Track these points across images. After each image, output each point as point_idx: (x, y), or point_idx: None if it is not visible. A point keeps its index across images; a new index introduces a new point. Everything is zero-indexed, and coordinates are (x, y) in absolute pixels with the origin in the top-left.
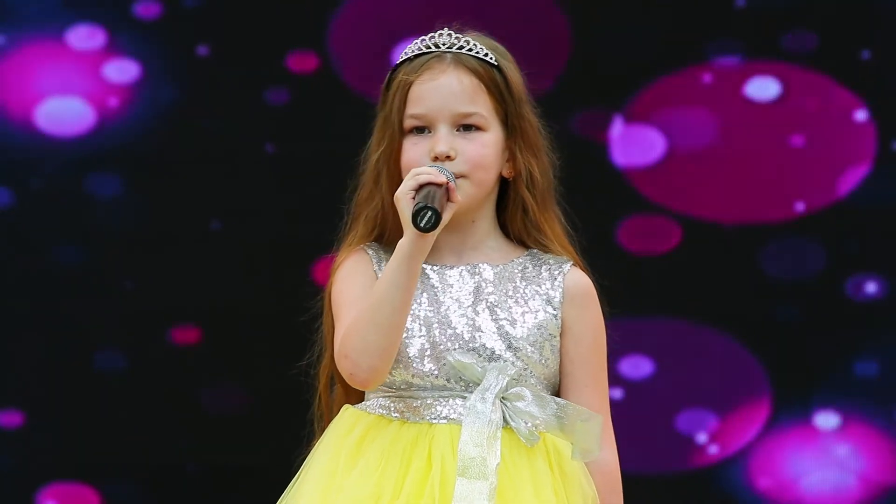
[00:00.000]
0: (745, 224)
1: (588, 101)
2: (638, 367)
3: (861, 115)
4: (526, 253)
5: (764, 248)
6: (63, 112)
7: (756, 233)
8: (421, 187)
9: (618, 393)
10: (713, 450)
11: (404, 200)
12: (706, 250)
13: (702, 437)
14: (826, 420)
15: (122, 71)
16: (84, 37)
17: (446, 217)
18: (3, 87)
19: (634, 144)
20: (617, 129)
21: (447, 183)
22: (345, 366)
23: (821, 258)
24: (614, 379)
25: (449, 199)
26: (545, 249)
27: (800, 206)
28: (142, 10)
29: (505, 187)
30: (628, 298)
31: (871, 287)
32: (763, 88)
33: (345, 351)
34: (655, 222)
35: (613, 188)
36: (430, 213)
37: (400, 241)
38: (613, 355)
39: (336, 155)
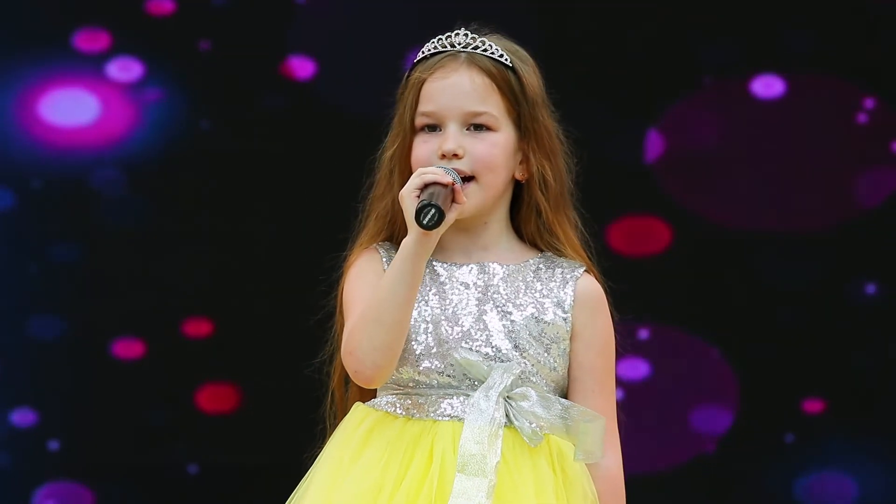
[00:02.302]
0: (741, 225)
1: (584, 100)
2: (635, 368)
3: (862, 117)
4: (539, 255)
5: (761, 248)
6: (65, 110)
7: (753, 233)
8: (426, 186)
9: (617, 393)
10: (710, 450)
11: (408, 199)
12: (699, 252)
13: (702, 439)
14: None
15: (125, 70)
16: (88, 37)
17: (450, 217)
18: (3, 87)
19: (628, 144)
20: (611, 128)
21: (452, 184)
22: (349, 363)
23: (817, 258)
24: None
25: (454, 201)
26: (558, 253)
27: (798, 208)
28: (152, 7)
29: (519, 190)
30: (622, 299)
31: (869, 289)
32: (762, 89)
33: (349, 348)
34: (646, 223)
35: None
36: (433, 210)
37: (404, 240)
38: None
39: (342, 155)
